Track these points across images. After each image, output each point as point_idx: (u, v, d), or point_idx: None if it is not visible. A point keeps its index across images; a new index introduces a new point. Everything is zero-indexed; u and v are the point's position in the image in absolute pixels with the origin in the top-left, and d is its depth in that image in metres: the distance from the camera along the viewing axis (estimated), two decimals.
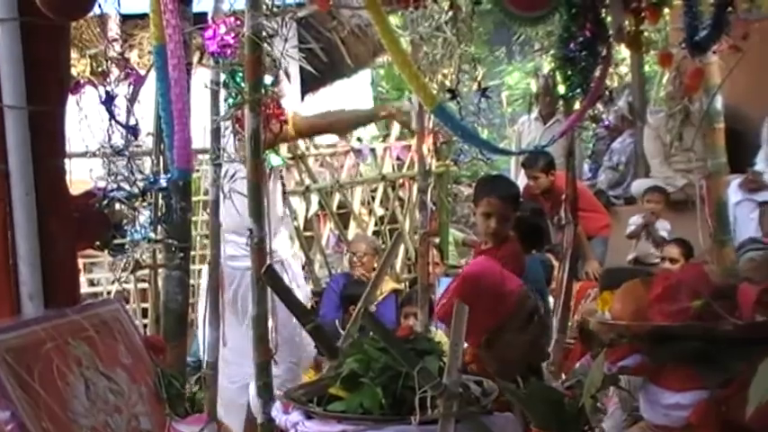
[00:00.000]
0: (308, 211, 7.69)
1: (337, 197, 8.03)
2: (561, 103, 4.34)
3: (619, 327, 1.93)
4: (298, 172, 7.54)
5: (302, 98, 11.69)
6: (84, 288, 7.29)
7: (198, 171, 7.21)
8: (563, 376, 3.84)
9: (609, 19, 3.63)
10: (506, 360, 2.99)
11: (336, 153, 8.59)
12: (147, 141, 3.80)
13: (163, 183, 2.85)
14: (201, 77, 4.31)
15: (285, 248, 5.63)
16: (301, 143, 7.88)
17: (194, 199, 7.25)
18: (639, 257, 7.02)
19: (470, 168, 11.49)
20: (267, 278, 2.59)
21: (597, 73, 3.45)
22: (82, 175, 3.71)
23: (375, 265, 7.09)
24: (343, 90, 13.22)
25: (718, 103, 4.66)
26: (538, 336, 3.02)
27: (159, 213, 2.84)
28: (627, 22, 3.66)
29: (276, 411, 2.39)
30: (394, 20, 6.78)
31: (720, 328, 1.75)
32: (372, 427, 2.16)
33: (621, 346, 1.92)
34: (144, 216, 2.94)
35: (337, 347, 2.52)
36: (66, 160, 5.72)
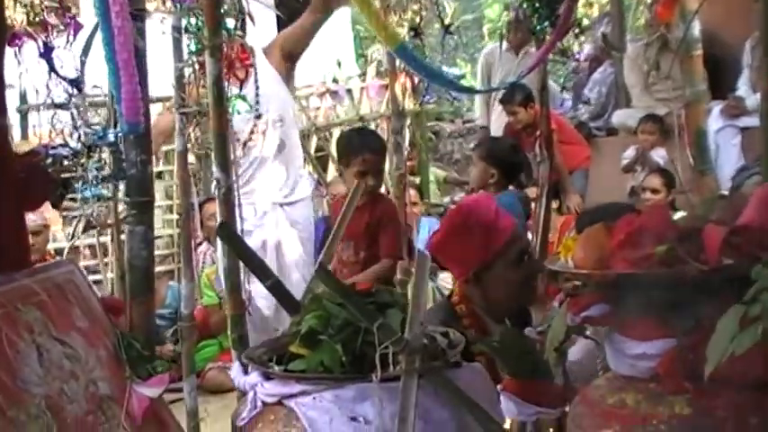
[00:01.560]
0: None
1: (315, 140, 7.93)
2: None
3: (581, 275, 1.84)
4: None
5: None
6: (63, 243, 7.20)
7: None
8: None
9: None
10: (495, 298, 2.92)
11: (312, 95, 8.46)
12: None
13: (111, 137, 2.72)
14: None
15: (266, 195, 5.38)
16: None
17: (167, 148, 7.14)
18: (635, 188, 6.96)
19: (453, 104, 11.35)
20: (222, 233, 2.49)
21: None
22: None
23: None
24: (322, 30, 12.98)
25: (696, 29, 4.54)
26: (528, 275, 2.95)
27: (109, 169, 2.72)
28: None
29: (236, 372, 2.30)
30: None
31: (686, 273, 1.66)
32: (332, 387, 2.08)
33: (585, 296, 1.83)
34: (97, 173, 2.83)
35: (299, 303, 2.43)
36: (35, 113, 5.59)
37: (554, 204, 5.83)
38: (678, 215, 2.29)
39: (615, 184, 7.14)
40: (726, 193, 6.17)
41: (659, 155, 6.94)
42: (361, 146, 4.31)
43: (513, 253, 2.91)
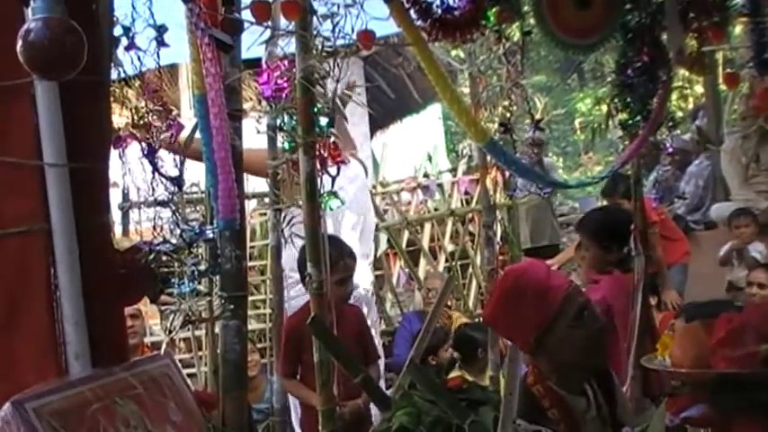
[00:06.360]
0: (377, 249, 7.64)
1: (406, 234, 7.97)
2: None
3: (679, 374, 1.78)
4: None
5: (371, 136, 11.72)
6: (160, 336, 7.34)
7: (265, 215, 7.25)
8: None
9: None
10: (563, 363, 2.73)
11: (403, 190, 8.55)
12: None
13: (209, 234, 2.79)
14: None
15: (365, 282, 5.67)
16: (368, 181, 7.86)
17: (261, 243, 7.28)
18: (733, 282, 6.77)
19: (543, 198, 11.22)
20: (313, 328, 2.50)
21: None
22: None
23: (449, 303, 7.00)
24: (414, 126, 13.21)
25: None
26: (593, 331, 2.79)
27: (204, 266, 2.78)
28: (688, 44, 3.52)
29: None
30: (455, 52, 6.72)
31: None
32: None
33: (683, 396, 1.77)
34: (194, 268, 2.89)
35: (389, 399, 2.42)
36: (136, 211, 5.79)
37: (652, 300, 5.67)
38: None
39: (714, 280, 6.96)
40: None
41: (757, 249, 6.76)
42: (339, 252, 4.23)
43: (572, 310, 2.76)
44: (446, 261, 8.23)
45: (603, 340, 2.77)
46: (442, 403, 2.09)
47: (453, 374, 5.52)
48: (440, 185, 8.86)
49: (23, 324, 2.51)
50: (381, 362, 4.87)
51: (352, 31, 3.15)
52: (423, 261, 8.03)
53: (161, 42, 2.77)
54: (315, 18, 3.22)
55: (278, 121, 3.89)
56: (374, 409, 4.47)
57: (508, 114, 4.16)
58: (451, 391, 2.18)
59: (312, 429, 4.42)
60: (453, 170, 9.62)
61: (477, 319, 7.44)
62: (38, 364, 2.50)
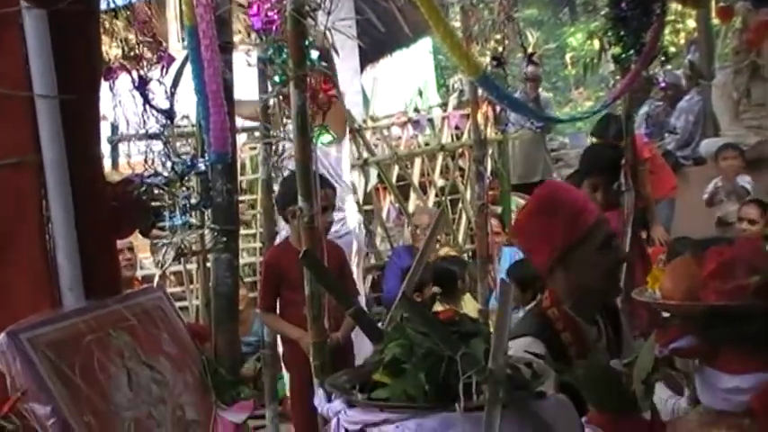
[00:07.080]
0: (367, 184, 7.65)
1: (396, 169, 7.97)
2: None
3: (669, 306, 1.80)
4: (355, 145, 7.48)
5: (361, 70, 11.61)
6: (151, 270, 7.36)
7: (255, 149, 7.22)
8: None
9: None
10: (582, 285, 2.69)
11: (394, 125, 8.52)
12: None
13: (201, 166, 2.79)
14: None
15: (353, 218, 5.70)
16: (357, 116, 7.83)
17: (251, 177, 7.28)
18: (722, 218, 6.79)
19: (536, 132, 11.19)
20: (306, 261, 2.51)
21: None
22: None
23: (439, 238, 7.03)
24: (404, 60, 13.08)
25: None
26: (616, 260, 2.76)
27: (196, 199, 2.78)
28: None
29: (319, 399, 2.31)
30: None
31: None
32: (416, 416, 2.06)
33: (673, 327, 1.79)
34: (185, 201, 2.89)
35: (381, 331, 2.43)
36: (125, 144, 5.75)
37: (643, 235, 5.69)
38: None
39: (703, 215, 6.99)
40: None
41: (746, 180, 6.78)
42: (322, 182, 4.22)
43: (601, 235, 2.69)
44: (436, 196, 8.24)
45: (620, 274, 2.78)
46: (435, 335, 2.10)
47: (440, 308, 5.57)
48: (430, 120, 8.82)
49: (17, 256, 2.51)
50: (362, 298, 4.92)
51: None
52: (413, 196, 8.04)
53: None
54: None
55: (268, 54, 3.85)
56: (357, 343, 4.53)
57: (500, 48, 4.13)
58: (443, 324, 2.20)
59: (292, 363, 4.45)
60: (444, 105, 9.56)
61: (465, 255, 7.49)
62: (32, 296, 2.51)
